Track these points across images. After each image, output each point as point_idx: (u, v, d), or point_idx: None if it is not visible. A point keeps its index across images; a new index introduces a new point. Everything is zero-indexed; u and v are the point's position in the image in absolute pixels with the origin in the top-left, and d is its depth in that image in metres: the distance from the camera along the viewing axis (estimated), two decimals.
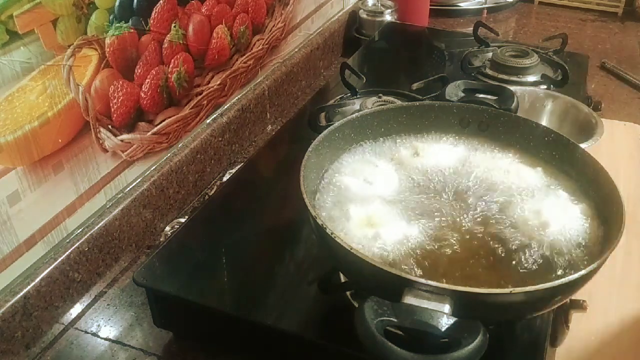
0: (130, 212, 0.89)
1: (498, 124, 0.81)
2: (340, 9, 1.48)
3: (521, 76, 1.16)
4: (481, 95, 0.87)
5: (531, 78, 1.16)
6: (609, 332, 0.78)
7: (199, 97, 1.01)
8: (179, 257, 0.78)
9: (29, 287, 0.75)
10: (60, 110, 0.75)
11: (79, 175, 0.81)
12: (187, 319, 0.76)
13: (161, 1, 0.88)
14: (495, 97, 0.85)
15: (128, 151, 0.89)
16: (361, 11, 1.51)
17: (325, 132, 0.75)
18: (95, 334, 0.79)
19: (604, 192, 0.68)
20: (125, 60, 0.84)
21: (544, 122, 1.01)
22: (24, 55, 0.69)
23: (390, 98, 1.05)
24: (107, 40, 0.80)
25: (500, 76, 1.17)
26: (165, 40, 0.90)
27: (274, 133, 1.16)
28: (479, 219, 0.69)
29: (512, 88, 0.89)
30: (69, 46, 0.75)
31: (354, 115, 0.79)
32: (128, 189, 0.90)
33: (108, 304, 0.83)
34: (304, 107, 1.17)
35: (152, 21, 0.87)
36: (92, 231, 0.83)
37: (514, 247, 0.66)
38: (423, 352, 0.51)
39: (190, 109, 1.00)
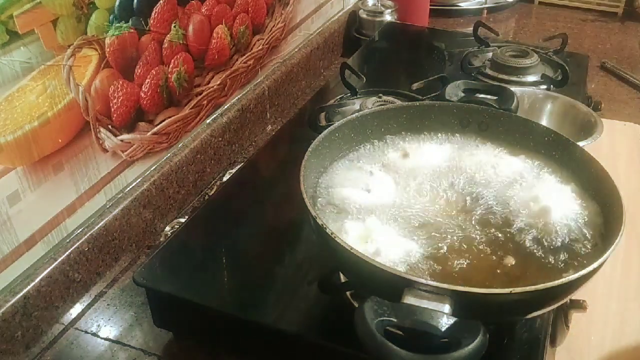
0: (130, 212, 0.89)
1: (498, 124, 0.81)
2: (340, 9, 1.48)
3: (521, 76, 1.16)
4: (481, 95, 0.87)
5: (531, 78, 1.16)
6: (609, 332, 0.78)
7: (199, 97, 1.01)
8: (179, 257, 0.78)
9: (29, 287, 0.75)
10: (60, 110, 0.75)
11: (79, 175, 0.81)
12: (187, 319, 0.76)
13: (161, 1, 0.88)
14: (495, 97, 0.85)
15: (128, 151, 0.89)
16: (361, 11, 1.51)
17: (325, 132, 0.75)
18: (95, 334, 0.79)
19: (604, 192, 0.68)
20: (125, 60, 0.84)
21: (544, 122, 1.01)
22: (24, 55, 0.69)
23: (390, 98, 1.05)
24: (107, 40, 0.80)
25: (500, 76, 1.17)
26: (165, 40, 0.90)
27: (274, 133, 1.16)
28: (482, 220, 0.69)
29: (512, 88, 0.89)
30: (69, 46, 0.75)
31: (354, 115, 0.79)
32: (128, 189, 0.90)
33: (108, 304, 0.83)
34: (304, 107, 1.17)
35: (152, 21, 0.87)
36: (92, 231, 0.83)
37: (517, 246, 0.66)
38: (423, 352, 0.51)
39: (190, 109, 1.00)
